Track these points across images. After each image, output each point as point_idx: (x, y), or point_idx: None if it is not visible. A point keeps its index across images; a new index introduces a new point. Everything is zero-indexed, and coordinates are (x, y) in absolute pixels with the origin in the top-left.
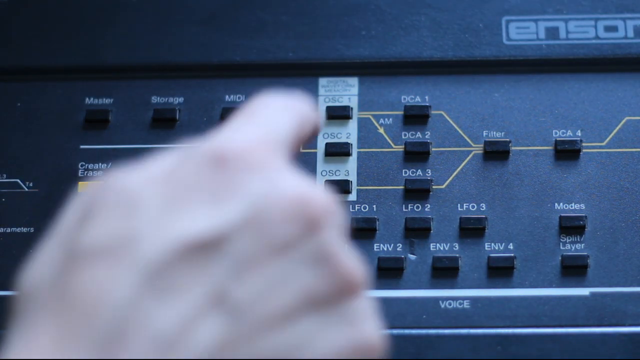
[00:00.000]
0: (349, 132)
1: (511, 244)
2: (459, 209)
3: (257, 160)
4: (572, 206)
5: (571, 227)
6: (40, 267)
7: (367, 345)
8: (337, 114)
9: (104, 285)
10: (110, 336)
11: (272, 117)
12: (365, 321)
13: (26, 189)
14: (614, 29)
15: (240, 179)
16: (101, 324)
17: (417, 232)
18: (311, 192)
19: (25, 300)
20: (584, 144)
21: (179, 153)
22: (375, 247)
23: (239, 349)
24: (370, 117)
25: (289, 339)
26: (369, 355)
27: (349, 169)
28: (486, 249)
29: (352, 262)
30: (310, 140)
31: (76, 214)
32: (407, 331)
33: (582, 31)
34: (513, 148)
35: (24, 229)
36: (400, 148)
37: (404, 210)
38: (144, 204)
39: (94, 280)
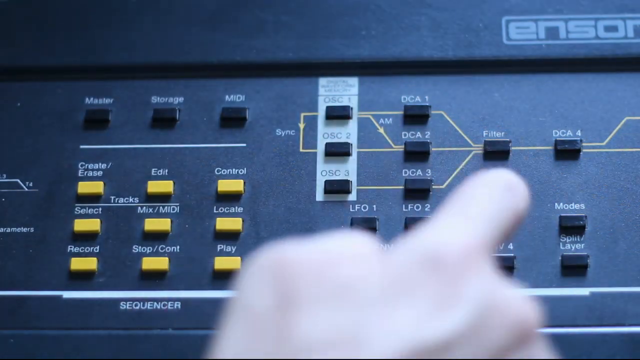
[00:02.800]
0: (349, 132)
1: (511, 244)
2: None
3: (475, 265)
4: (572, 206)
5: (571, 227)
6: (237, 348)
7: None
8: (337, 114)
9: None
10: None
11: (489, 212)
12: None
13: (26, 189)
14: (614, 29)
15: (461, 285)
16: None
17: None
18: (526, 304)
19: None
20: (584, 144)
21: (396, 250)
22: None
23: None
24: (370, 117)
25: None
26: None
27: (349, 169)
28: None
29: None
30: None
31: (270, 294)
32: None
33: (582, 31)
34: (513, 148)
35: (24, 229)
36: (400, 148)
37: (404, 210)
38: (365, 297)
39: None
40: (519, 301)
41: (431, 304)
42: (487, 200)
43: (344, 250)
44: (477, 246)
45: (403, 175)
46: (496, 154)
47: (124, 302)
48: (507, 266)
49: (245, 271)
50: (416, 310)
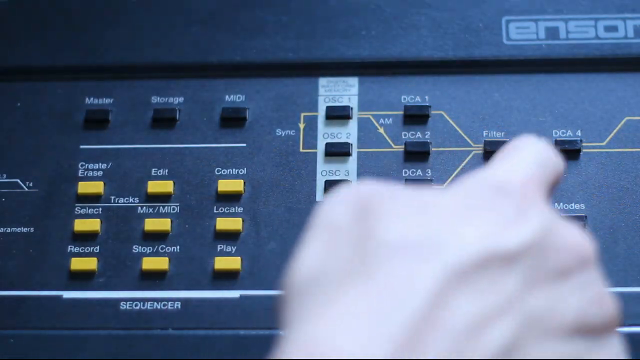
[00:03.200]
0: (349, 132)
1: None
2: None
3: (533, 194)
4: (572, 206)
5: None
6: (322, 251)
7: None
8: (337, 114)
9: (414, 275)
10: (419, 321)
11: (538, 160)
12: (622, 354)
13: (26, 189)
14: (614, 29)
15: (526, 208)
16: (412, 309)
17: None
18: (583, 234)
19: (305, 286)
20: (584, 144)
21: (464, 182)
22: None
23: (523, 351)
24: (370, 117)
25: (562, 353)
26: None
27: (349, 169)
28: None
29: (612, 299)
30: (555, 189)
31: (350, 211)
32: None
33: (582, 31)
34: None
35: (24, 229)
36: (400, 148)
37: None
38: (438, 210)
39: (404, 269)
40: (577, 229)
41: (501, 221)
42: (535, 151)
43: (418, 186)
44: (534, 183)
45: (403, 175)
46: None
47: (124, 302)
48: None
49: (327, 199)
50: (487, 224)
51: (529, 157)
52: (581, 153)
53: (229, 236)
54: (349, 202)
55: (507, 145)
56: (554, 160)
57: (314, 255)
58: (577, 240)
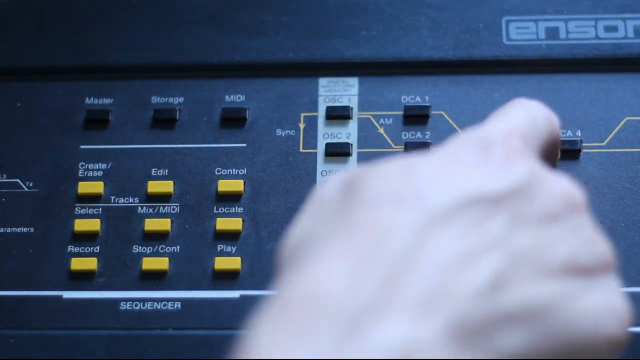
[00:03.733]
0: (349, 132)
1: None
2: None
3: (519, 146)
4: None
5: None
6: (309, 220)
7: (620, 312)
8: (337, 114)
9: (395, 219)
10: (400, 259)
11: (525, 116)
12: (618, 292)
13: (26, 189)
14: (614, 29)
15: (508, 159)
16: (393, 248)
17: None
18: (572, 183)
19: (295, 248)
20: (584, 144)
21: (447, 141)
22: None
23: (509, 288)
24: (370, 117)
25: (552, 292)
26: (619, 327)
27: (349, 169)
28: None
29: (605, 242)
30: (553, 152)
31: (337, 187)
32: None
33: (582, 31)
34: None
35: (24, 229)
36: (400, 148)
37: None
38: (421, 169)
39: (385, 215)
40: (567, 179)
41: (485, 170)
42: (524, 109)
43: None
44: (520, 135)
45: None
46: None
47: (124, 302)
48: None
49: (320, 184)
50: (472, 174)
51: (517, 114)
52: (581, 153)
53: (229, 236)
54: (338, 181)
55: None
56: (546, 117)
57: (303, 224)
58: (567, 187)
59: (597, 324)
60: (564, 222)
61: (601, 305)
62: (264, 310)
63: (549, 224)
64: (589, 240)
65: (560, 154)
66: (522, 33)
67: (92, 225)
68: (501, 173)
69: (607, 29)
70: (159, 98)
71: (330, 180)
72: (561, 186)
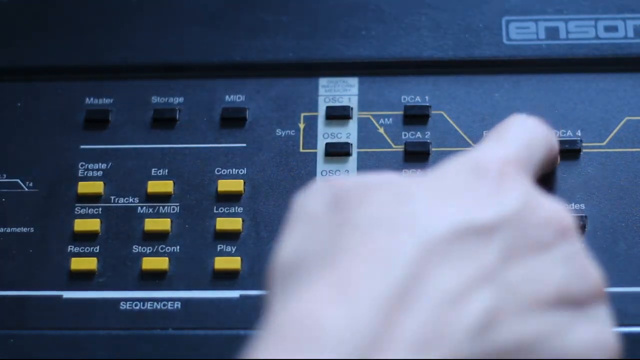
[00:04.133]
0: (349, 132)
1: None
2: None
3: (514, 174)
4: (572, 206)
5: None
6: (298, 240)
7: (609, 345)
8: (337, 114)
9: (392, 248)
10: (399, 292)
11: (522, 138)
12: (608, 324)
13: (26, 189)
14: (614, 29)
15: (504, 186)
16: (391, 281)
17: None
18: (562, 208)
19: (287, 270)
20: (584, 144)
21: (442, 165)
22: None
23: (501, 325)
24: (370, 117)
25: (544, 325)
26: (609, 356)
27: (349, 169)
28: None
29: (597, 269)
30: (550, 169)
31: (324, 200)
32: None
33: (582, 31)
34: None
35: (24, 229)
36: (400, 148)
37: None
38: (415, 194)
39: (381, 243)
40: (556, 204)
41: (477, 199)
42: (522, 130)
43: (393, 174)
44: (516, 162)
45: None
46: None
47: (124, 302)
48: None
49: (303, 191)
50: (464, 204)
51: (514, 136)
52: (581, 153)
53: (229, 236)
54: (323, 192)
55: (497, 125)
56: (543, 138)
57: (293, 242)
58: (556, 213)
59: (588, 356)
60: (555, 251)
61: (591, 337)
62: (260, 337)
63: (541, 253)
64: (581, 269)
65: (559, 159)
66: (522, 33)
67: (92, 225)
68: (494, 201)
69: (607, 29)
70: (159, 98)
71: (313, 191)
72: (551, 212)
